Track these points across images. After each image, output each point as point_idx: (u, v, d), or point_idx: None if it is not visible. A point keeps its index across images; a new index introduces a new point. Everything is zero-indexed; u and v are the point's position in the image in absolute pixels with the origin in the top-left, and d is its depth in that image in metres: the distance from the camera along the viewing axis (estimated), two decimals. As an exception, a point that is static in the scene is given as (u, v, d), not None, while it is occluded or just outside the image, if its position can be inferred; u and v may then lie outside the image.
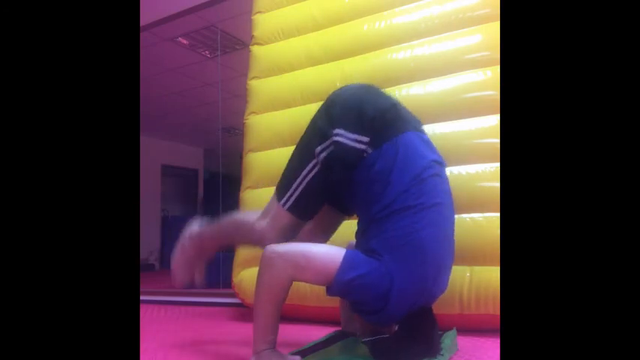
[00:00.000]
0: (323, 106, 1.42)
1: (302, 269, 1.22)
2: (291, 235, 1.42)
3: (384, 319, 1.26)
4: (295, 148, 1.46)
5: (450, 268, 1.37)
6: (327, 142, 1.33)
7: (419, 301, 1.25)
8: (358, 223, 1.39)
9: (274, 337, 1.26)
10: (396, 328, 1.23)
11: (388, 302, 1.20)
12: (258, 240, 1.43)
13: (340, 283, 1.21)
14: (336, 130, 1.32)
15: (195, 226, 1.61)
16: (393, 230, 1.24)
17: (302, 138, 1.45)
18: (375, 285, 1.20)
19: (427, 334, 1.27)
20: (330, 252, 1.25)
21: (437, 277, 1.28)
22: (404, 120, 1.35)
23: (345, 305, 1.58)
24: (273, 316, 1.25)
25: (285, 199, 1.39)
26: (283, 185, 1.42)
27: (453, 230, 1.37)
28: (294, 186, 1.38)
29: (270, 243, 1.29)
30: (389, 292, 1.20)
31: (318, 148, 1.34)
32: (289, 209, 1.38)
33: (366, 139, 1.29)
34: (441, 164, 1.36)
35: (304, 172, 1.37)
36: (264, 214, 1.45)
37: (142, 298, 2.81)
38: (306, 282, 1.29)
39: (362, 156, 1.30)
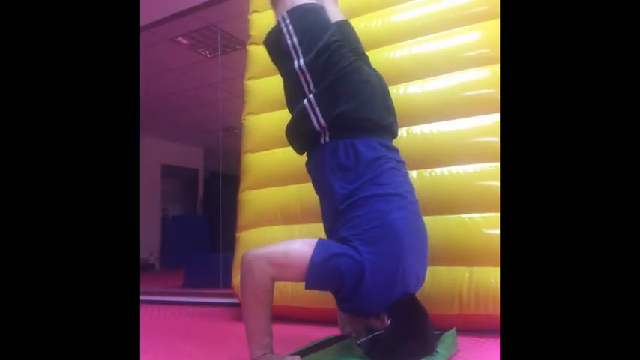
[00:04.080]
0: None
1: (282, 267, 1.22)
2: None
3: (364, 306, 1.24)
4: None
5: (426, 263, 1.37)
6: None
7: (396, 288, 1.24)
8: (324, 218, 1.40)
9: (269, 340, 1.24)
10: (388, 322, 1.21)
11: (363, 285, 1.19)
12: None
13: (314, 265, 1.19)
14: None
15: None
16: (361, 217, 1.25)
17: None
18: (349, 269, 1.20)
19: (420, 324, 1.25)
20: (305, 244, 1.24)
21: (413, 263, 1.27)
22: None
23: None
24: (264, 319, 1.23)
25: None
26: None
27: (424, 230, 1.39)
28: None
29: None
30: (363, 274, 1.19)
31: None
32: None
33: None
34: (400, 162, 1.40)
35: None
36: None
37: (142, 298, 2.81)
38: (288, 279, 1.23)
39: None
